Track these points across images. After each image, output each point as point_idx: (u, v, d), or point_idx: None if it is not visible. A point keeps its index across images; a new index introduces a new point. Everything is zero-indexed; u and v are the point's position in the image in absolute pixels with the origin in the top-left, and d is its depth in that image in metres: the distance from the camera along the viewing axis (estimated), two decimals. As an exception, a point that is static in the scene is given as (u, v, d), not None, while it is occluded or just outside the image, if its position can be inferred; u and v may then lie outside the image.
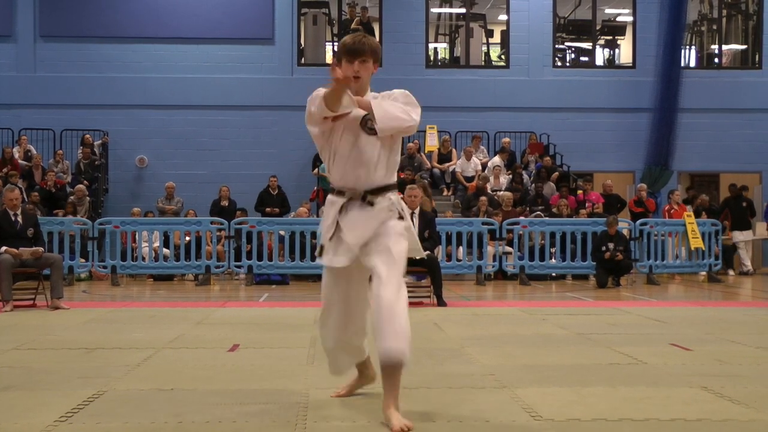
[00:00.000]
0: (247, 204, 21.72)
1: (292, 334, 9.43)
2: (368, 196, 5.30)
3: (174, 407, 5.55)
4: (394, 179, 5.43)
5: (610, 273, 17.53)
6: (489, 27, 27.33)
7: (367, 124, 5.29)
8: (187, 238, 18.46)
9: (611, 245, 17.52)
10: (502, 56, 26.88)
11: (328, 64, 26.61)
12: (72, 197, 20.64)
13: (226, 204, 21.53)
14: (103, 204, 23.58)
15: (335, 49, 26.23)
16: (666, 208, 22.16)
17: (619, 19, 27.49)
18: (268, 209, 21.58)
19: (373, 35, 25.63)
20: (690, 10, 26.32)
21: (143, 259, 18.49)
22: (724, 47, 27.34)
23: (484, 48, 27.21)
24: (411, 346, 5.00)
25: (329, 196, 5.46)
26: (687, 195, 23.58)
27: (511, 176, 22.84)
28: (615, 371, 6.97)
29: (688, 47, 27.01)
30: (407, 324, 5.00)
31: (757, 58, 26.71)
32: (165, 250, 18.74)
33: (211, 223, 18.84)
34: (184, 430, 4.99)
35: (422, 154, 23.78)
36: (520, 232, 18.74)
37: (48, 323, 10.53)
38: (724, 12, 27.48)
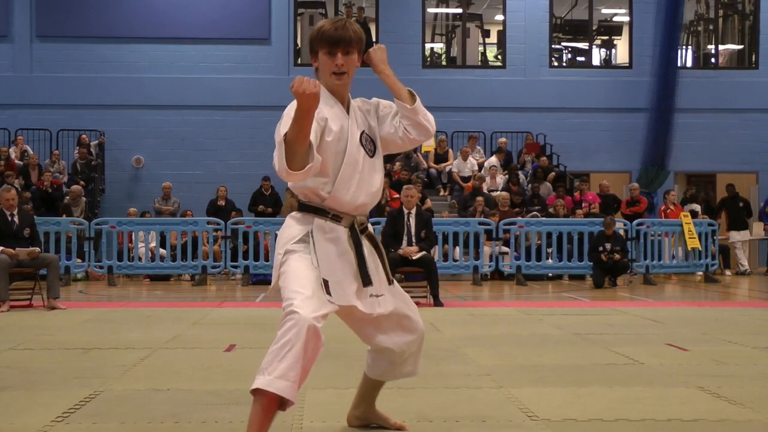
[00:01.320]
0: (244, 204, 21.71)
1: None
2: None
3: (171, 407, 5.55)
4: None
5: (606, 273, 17.52)
6: (485, 27, 27.33)
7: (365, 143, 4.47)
8: (184, 239, 18.46)
9: (608, 245, 17.52)
10: (499, 56, 26.87)
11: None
12: (66, 198, 20.60)
13: (223, 204, 21.51)
14: (100, 204, 23.57)
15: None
16: (662, 208, 22.17)
17: (615, 19, 27.52)
18: (260, 208, 21.52)
19: (370, 35, 25.65)
20: (686, 10, 26.31)
21: (140, 259, 18.49)
22: (721, 47, 27.37)
23: (481, 48, 27.21)
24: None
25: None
26: (686, 195, 23.55)
27: (507, 176, 22.83)
28: (611, 371, 6.97)
29: (684, 47, 27.01)
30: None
31: (753, 59, 26.72)
32: (161, 251, 18.73)
33: (208, 223, 18.81)
34: (181, 430, 5.00)
35: (419, 154, 23.77)
36: (517, 233, 18.75)
37: (44, 323, 10.53)
38: (721, 12, 27.51)
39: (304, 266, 4.33)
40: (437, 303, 12.94)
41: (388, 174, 21.93)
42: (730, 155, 25.77)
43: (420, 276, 13.84)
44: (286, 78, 24.75)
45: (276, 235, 4.81)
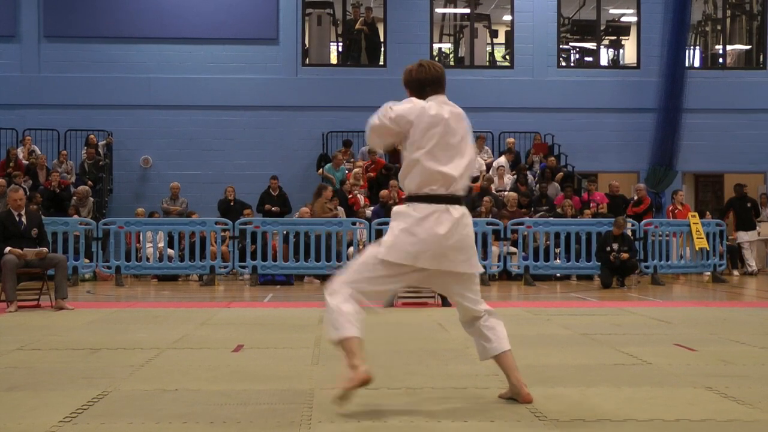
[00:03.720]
0: (252, 204, 21.72)
1: (296, 334, 9.44)
2: None
3: (178, 408, 5.56)
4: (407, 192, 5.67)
5: (614, 273, 17.50)
6: (493, 27, 27.32)
7: None
8: (192, 239, 18.46)
9: (615, 245, 17.49)
10: (507, 56, 26.86)
11: (332, 65, 27.05)
12: (74, 198, 20.63)
13: (233, 203, 21.50)
14: (108, 204, 23.59)
15: (339, 49, 26.27)
16: (670, 208, 22.14)
17: (623, 19, 27.48)
18: (267, 206, 21.52)
19: (377, 36, 25.69)
20: (694, 11, 26.29)
21: (147, 259, 18.48)
22: (729, 47, 27.32)
23: (489, 48, 27.21)
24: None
25: None
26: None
27: (515, 176, 22.80)
28: (619, 371, 6.97)
29: (692, 47, 26.98)
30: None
31: (761, 59, 26.69)
32: (169, 251, 18.74)
33: (216, 223, 18.82)
34: (189, 431, 5.00)
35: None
36: (525, 233, 18.73)
37: (52, 324, 10.55)
38: (729, 12, 27.45)
39: None
40: (445, 303, 12.91)
41: (396, 174, 21.93)
42: (737, 155, 25.72)
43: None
44: (294, 78, 24.82)
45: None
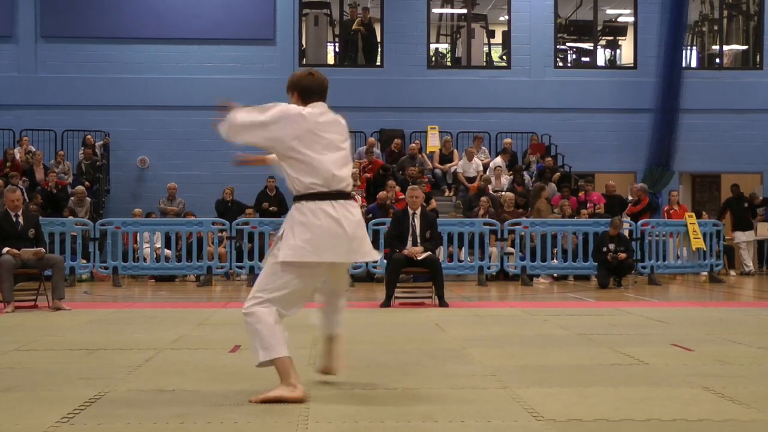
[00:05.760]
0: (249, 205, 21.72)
1: (292, 335, 9.35)
2: None
3: (176, 408, 5.56)
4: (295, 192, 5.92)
5: (611, 273, 17.49)
6: (490, 27, 27.31)
7: None
8: (189, 240, 18.45)
9: (612, 246, 17.48)
10: (504, 57, 26.85)
11: (329, 65, 27.00)
12: (71, 199, 20.61)
13: (231, 203, 21.51)
14: (105, 205, 23.56)
15: (336, 49, 26.28)
16: (666, 208, 22.15)
17: (620, 19, 27.48)
18: (264, 205, 21.53)
19: (374, 36, 25.69)
20: (691, 11, 26.30)
21: (145, 260, 18.47)
22: (725, 48, 27.33)
23: (486, 48, 27.19)
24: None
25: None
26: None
27: (512, 177, 22.78)
28: (616, 372, 6.97)
29: (689, 48, 26.98)
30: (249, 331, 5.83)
31: (758, 59, 26.68)
32: (166, 251, 18.72)
33: (213, 223, 18.82)
34: (186, 431, 5.00)
35: (424, 154, 23.76)
36: (522, 233, 18.73)
37: (49, 324, 10.53)
38: (725, 12, 27.47)
39: None
40: (442, 303, 12.93)
41: (394, 174, 22.00)
42: (734, 155, 25.74)
43: (425, 276, 13.83)
44: (290, 78, 24.74)
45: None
